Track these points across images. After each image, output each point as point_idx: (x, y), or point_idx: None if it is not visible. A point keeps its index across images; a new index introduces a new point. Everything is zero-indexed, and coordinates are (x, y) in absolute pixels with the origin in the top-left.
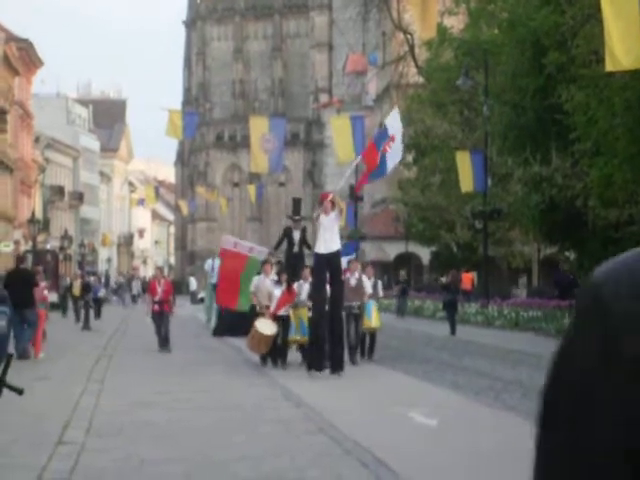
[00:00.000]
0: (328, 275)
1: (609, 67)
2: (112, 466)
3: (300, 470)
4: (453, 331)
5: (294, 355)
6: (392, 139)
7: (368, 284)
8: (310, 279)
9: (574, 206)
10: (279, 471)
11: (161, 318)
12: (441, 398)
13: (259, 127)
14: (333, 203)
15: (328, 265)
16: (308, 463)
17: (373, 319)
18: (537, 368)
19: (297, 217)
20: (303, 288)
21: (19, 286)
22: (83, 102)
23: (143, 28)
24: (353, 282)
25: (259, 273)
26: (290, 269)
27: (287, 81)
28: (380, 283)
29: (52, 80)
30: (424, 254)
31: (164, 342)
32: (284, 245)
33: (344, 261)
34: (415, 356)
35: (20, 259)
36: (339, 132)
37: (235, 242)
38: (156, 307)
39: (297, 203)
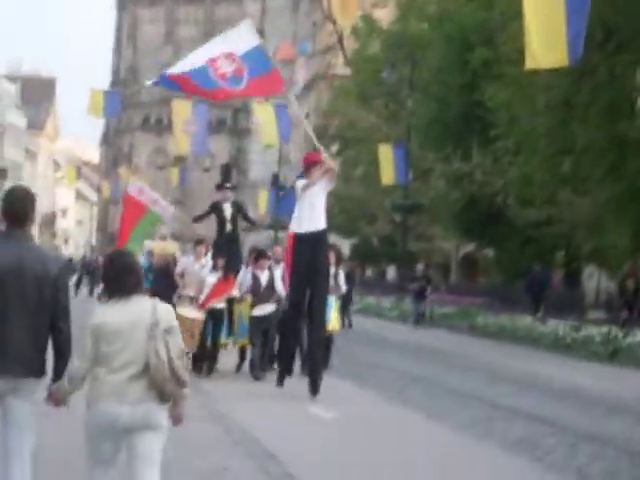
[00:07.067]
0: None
1: (529, 65)
2: None
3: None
4: None
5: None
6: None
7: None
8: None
9: (494, 203)
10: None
11: None
12: (346, 393)
13: (182, 110)
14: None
15: (311, 249)
16: (196, 453)
17: (332, 319)
18: (444, 364)
19: (228, 185)
20: (246, 278)
21: None
22: (12, 78)
23: (78, 8)
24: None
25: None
26: (222, 252)
27: None
28: (342, 274)
29: None
30: (345, 246)
31: None
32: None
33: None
34: None
35: None
36: (264, 119)
37: (140, 188)
38: None
39: (227, 169)
